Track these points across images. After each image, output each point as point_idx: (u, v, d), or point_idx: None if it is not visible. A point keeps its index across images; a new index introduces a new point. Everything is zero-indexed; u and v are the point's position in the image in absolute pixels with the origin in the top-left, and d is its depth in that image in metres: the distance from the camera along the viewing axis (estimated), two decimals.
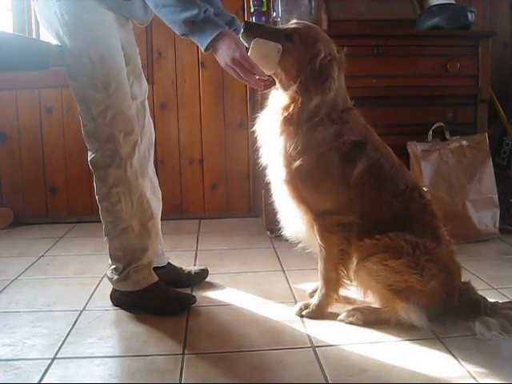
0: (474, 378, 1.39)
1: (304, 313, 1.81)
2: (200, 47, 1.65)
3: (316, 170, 1.71)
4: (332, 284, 1.78)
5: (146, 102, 2.04)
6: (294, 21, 1.74)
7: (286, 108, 1.70)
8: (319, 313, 1.80)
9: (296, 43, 1.67)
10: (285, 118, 1.70)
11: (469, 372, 1.42)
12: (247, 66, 1.62)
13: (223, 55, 1.62)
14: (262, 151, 1.84)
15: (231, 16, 1.90)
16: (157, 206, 2.09)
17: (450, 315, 1.66)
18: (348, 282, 1.79)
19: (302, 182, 1.72)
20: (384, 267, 1.63)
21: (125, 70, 1.81)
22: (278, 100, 1.74)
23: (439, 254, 1.67)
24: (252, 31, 1.65)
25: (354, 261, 1.73)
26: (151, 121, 2.07)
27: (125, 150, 1.78)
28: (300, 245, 1.91)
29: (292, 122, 1.70)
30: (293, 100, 1.69)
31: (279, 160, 1.73)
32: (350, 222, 1.71)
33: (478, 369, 1.43)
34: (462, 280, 1.74)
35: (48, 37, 1.88)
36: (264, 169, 1.87)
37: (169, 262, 2.17)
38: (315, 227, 1.75)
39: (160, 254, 2.12)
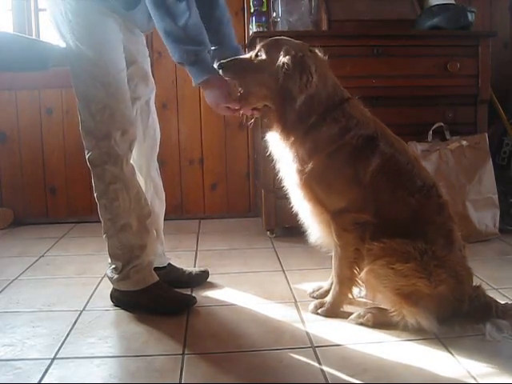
0: (474, 378, 1.39)
1: (319, 311, 1.82)
2: (192, 81, 1.74)
3: (328, 170, 1.72)
4: (346, 282, 1.79)
5: (152, 101, 2.05)
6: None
7: (279, 120, 1.73)
8: (333, 311, 1.81)
9: (264, 56, 1.72)
10: (282, 128, 1.73)
11: (469, 372, 1.42)
12: (224, 112, 1.79)
13: (208, 98, 1.77)
14: (278, 166, 1.86)
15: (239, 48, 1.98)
16: (159, 207, 2.10)
17: (459, 319, 1.64)
18: (361, 281, 1.78)
19: (316, 183, 1.73)
20: (391, 271, 1.61)
21: (124, 70, 1.82)
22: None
23: (449, 260, 1.64)
24: (227, 69, 1.73)
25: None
26: (156, 120, 2.08)
27: (121, 148, 1.80)
28: (323, 249, 1.90)
29: (290, 129, 1.72)
30: (281, 110, 1.71)
31: (292, 167, 1.75)
32: (365, 220, 1.70)
33: (478, 369, 1.43)
34: (474, 284, 1.71)
35: (48, 37, 1.89)
36: (282, 182, 1.88)
37: (169, 263, 2.18)
38: (332, 226, 1.76)
39: (161, 255, 2.12)
